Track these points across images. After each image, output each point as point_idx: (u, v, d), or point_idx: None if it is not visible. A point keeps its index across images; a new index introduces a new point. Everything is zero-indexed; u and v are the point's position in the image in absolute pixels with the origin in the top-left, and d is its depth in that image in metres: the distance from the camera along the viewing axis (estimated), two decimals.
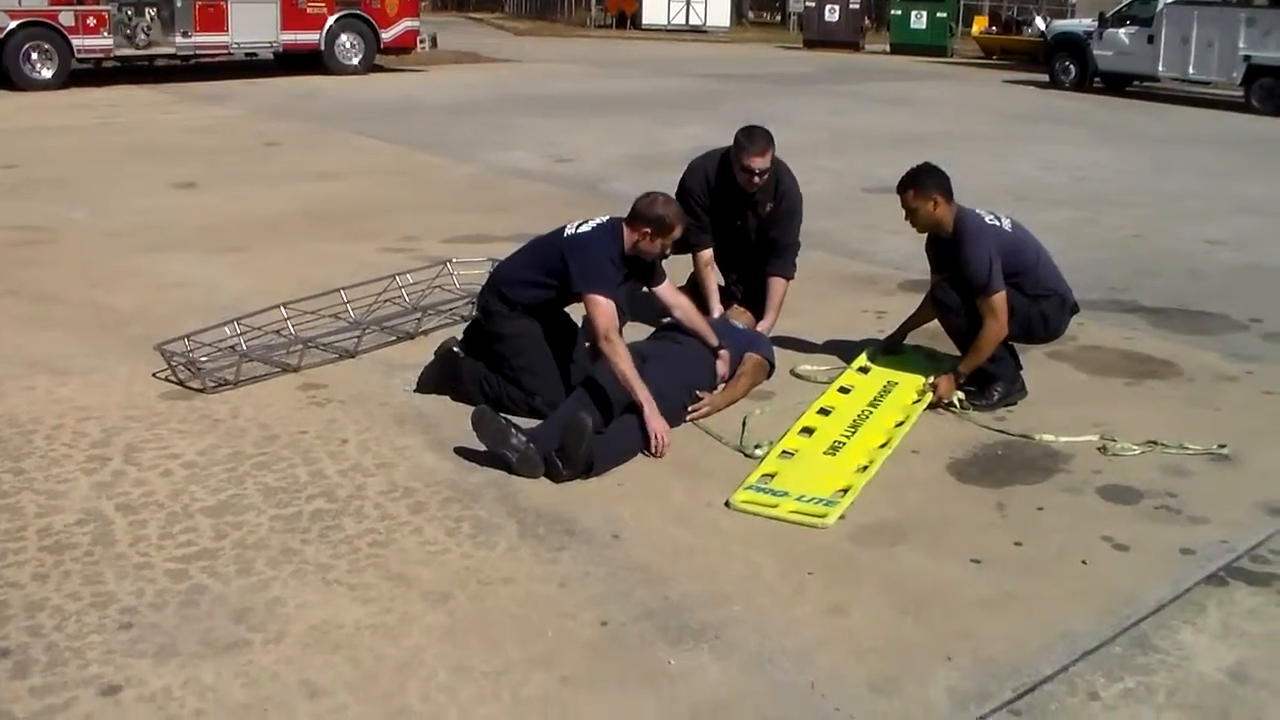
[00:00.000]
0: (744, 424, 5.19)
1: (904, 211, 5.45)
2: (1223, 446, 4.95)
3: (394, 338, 6.40)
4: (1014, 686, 3.32)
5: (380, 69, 21.69)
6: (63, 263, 7.99)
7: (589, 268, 5.05)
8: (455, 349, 5.50)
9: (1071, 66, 19.77)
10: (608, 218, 5.27)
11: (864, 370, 5.80)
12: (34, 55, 17.90)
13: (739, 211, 6.23)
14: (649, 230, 5.12)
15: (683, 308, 5.48)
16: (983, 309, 5.27)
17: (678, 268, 6.33)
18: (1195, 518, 4.38)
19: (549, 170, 11.70)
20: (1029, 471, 4.79)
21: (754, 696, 3.30)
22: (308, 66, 20.56)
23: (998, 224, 5.43)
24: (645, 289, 5.54)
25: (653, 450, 4.85)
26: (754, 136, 6.03)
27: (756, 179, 6.03)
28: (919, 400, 5.38)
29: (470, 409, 4.87)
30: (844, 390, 5.58)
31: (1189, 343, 6.47)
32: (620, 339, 4.98)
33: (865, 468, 4.74)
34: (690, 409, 5.23)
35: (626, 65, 23.63)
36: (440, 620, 3.69)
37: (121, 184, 10.75)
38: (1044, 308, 5.46)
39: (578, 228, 5.24)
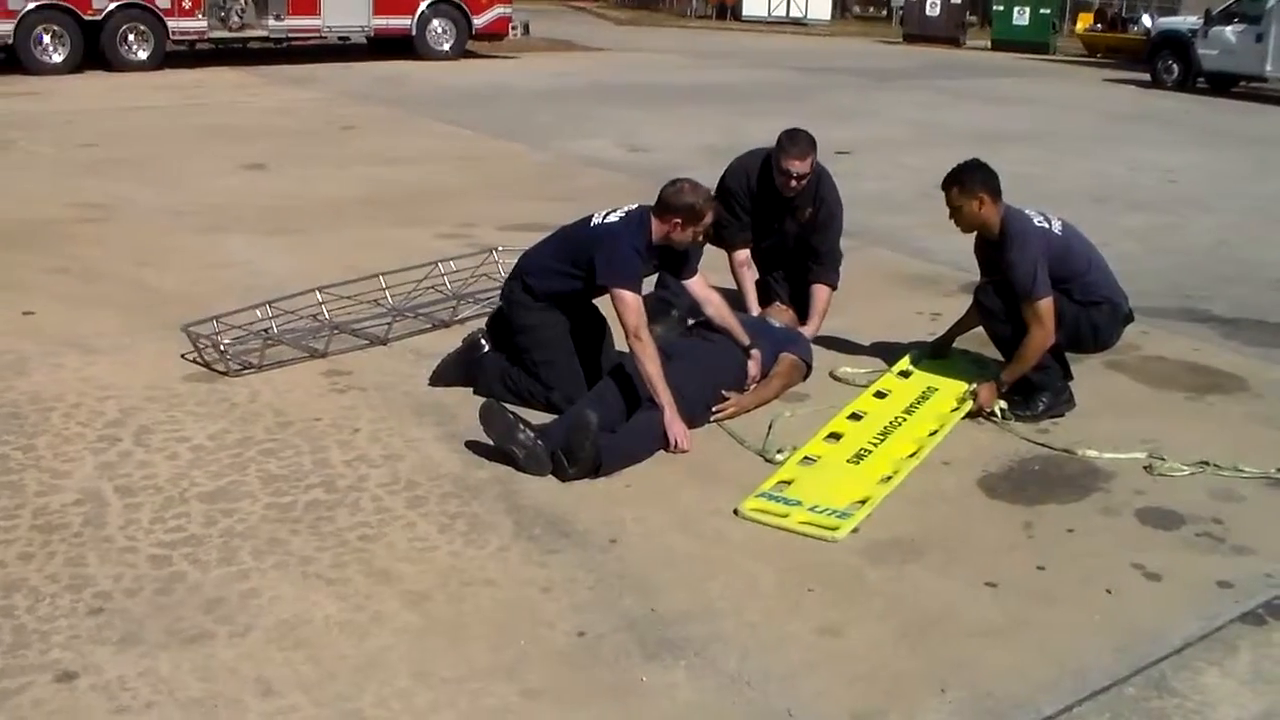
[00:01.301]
0: (770, 427, 4.95)
1: (948, 210, 5.15)
2: None
3: (429, 325, 6.28)
4: None
5: (472, 55, 21.69)
6: (118, 240, 8.03)
7: (614, 260, 4.85)
8: (482, 340, 5.33)
9: (1174, 65, 18.97)
10: (637, 206, 5.06)
11: (905, 374, 5.51)
12: (131, 37, 18.23)
13: (779, 215, 5.99)
14: (679, 220, 4.90)
15: (714, 304, 5.24)
16: (1027, 315, 4.96)
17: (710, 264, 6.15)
18: (1240, 547, 4.03)
19: (623, 160, 11.51)
20: (1066, 489, 4.47)
21: None
22: (400, 51, 20.64)
23: (1046, 226, 5.10)
24: (679, 280, 5.33)
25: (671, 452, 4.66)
26: (796, 139, 5.77)
27: (794, 183, 5.79)
28: (958, 408, 5.08)
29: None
30: (880, 395, 5.31)
31: (1261, 356, 6.04)
32: (650, 338, 4.78)
33: (889, 478, 4.47)
34: (715, 409, 5.00)
35: (721, 56, 23.36)
36: (413, 621, 3.53)
37: (193, 164, 10.82)
38: (1094, 316, 5.12)
39: (605, 217, 5.05)
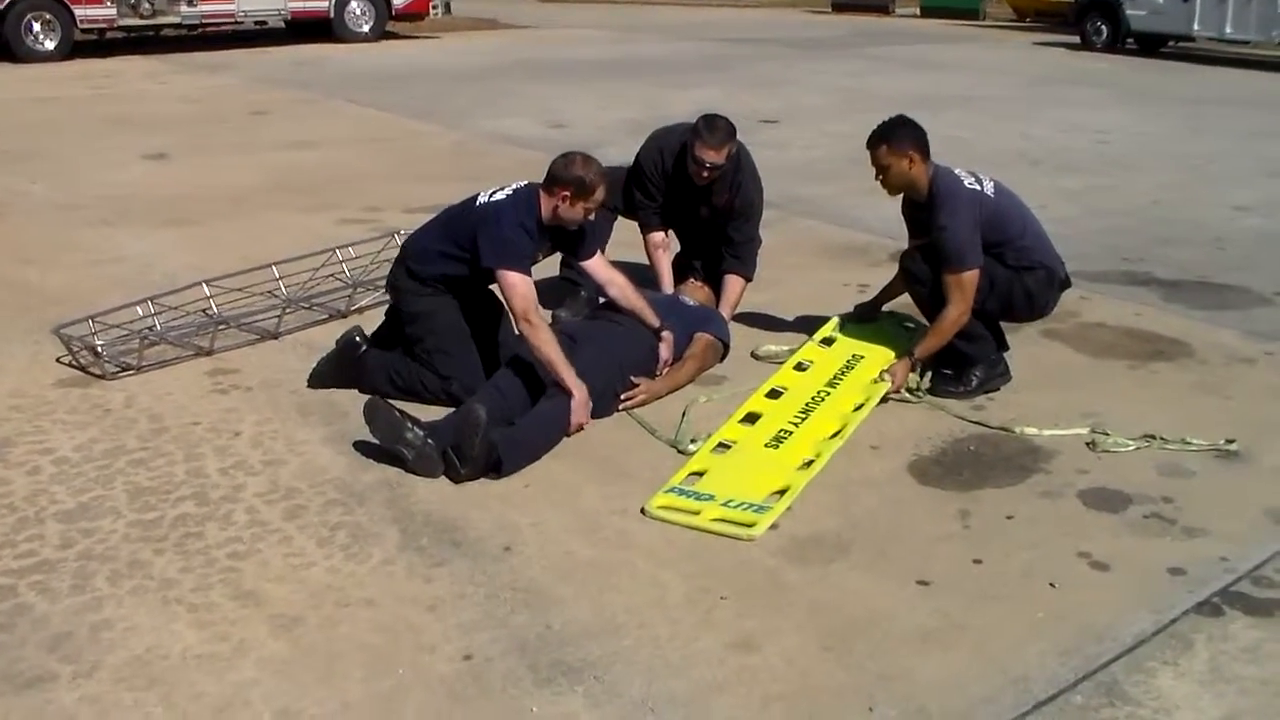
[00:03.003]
0: (684, 414, 4.58)
1: (874, 170, 4.80)
2: (1231, 442, 4.26)
3: (325, 316, 5.88)
4: None
5: (393, 36, 21.12)
6: (2, 238, 7.52)
7: (500, 241, 4.49)
8: (358, 339, 4.90)
9: (1103, 27, 18.69)
10: (525, 184, 4.69)
11: (828, 342, 5.15)
12: (36, 26, 17.53)
13: (693, 198, 5.59)
14: (568, 193, 4.53)
15: (618, 285, 4.87)
16: (949, 285, 4.62)
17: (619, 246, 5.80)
18: (1191, 529, 3.71)
19: (540, 136, 11.09)
20: (1003, 472, 4.13)
21: None
22: (318, 35, 20.05)
23: (979, 188, 4.75)
24: (576, 261, 4.97)
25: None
26: (714, 129, 5.32)
27: (706, 173, 5.37)
28: (881, 379, 4.73)
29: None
30: (800, 367, 4.95)
31: (1204, 319, 5.75)
32: (542, 320, 4.43)
33: (810, 463, 4.12)
34: (624, 395, 4.63)
35: (646, 30, 22.94)
36: (280, 650, 3.14)
37: (92, 155, 10.31)
38: (1028, 282, 4.79)
39: (491, 195, 4.67)
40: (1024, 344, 5.22)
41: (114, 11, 18.20)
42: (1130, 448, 4.24)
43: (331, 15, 20.09)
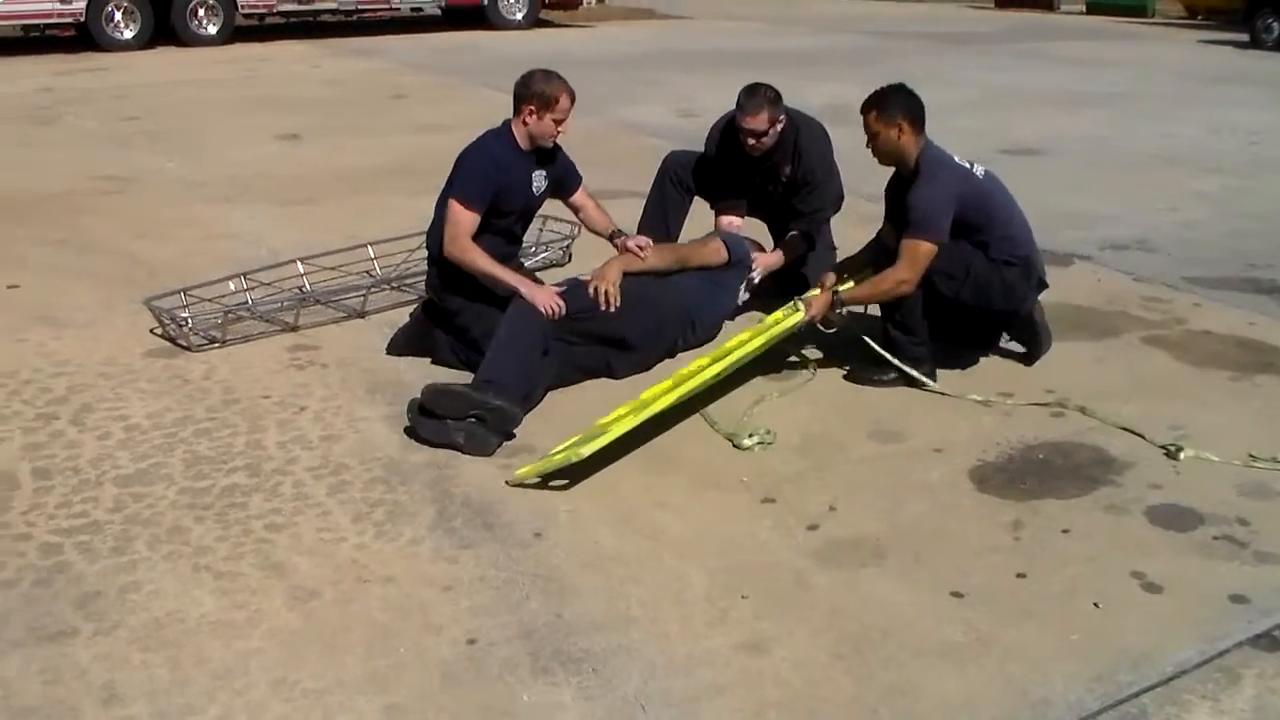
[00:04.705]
0: (749, 409, 4.46)
1: (866, 137, 4.68)
2: None
3: (414, 297, 5.90)
4: None
5: (546, 25, 21.28)
6: (126, 212, 7.81)
7: (461, 172, 4.85)
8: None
9: (1274, 25, 17.67)
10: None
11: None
12: (200, 11, 18.15)
13: (754, 173, 5.51)
14: (533, 108, 4.77)
15: (587, 208, 5.25)
16: (903, 250, 4.51)
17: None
18: (1264, 554, 3.42)
19: (668, 125, 11.01)
20: (1070, 482, 3.88)
21: None
22: (473, 22, 20.32)
23: (967, 167, 4.67)
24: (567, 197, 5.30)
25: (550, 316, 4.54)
26: (753, 94, 5.26)
27: (753, 142, 5.29)
28: (795, 308, 4.61)
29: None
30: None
31: None
32: (470, 244, 4.68)
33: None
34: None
35: (800, 22, 22.63)
36: (291, 622, 3.15)
37: (228, 135, 10.59)
38: (1006, 276, 4.63)
39: None
40: (1120, 350, 4.96)
41: None
42: (1214, 462, 3.96)
43: (485, 2, 20.32)
